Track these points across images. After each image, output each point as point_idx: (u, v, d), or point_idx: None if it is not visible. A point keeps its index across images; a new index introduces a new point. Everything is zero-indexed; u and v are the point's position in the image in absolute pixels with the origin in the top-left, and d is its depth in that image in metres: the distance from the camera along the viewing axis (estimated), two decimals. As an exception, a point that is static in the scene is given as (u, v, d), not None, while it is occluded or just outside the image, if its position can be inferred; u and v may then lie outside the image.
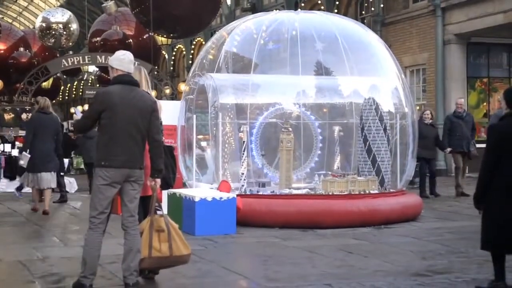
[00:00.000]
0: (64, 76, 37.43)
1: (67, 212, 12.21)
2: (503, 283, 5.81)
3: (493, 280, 5.89)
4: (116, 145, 5.62)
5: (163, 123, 6.72)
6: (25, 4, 48.07)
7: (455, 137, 13.70)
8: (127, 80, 5.76)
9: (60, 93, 42.15)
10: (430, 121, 13.80)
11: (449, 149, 13.85)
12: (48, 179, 11.47)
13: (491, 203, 5.83)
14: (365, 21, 23.45)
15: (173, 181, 6.51)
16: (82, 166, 17.51)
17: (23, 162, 11.44)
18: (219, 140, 10.64)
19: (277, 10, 17.61)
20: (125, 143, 5.63)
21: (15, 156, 16.79)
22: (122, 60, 5.82)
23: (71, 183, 16.45)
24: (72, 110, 36.78)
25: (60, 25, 25.75)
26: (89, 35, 27.23)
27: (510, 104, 5.89)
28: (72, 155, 18.90)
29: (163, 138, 6.68)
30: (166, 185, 6.44)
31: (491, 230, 5.85)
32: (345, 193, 10.04)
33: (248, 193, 10.22)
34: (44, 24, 25.90)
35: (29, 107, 24.58)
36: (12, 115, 25.21)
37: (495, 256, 5.90)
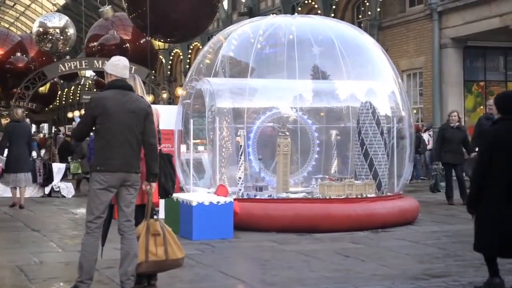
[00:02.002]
0: (61, 81, 37.43)
1: (64, 217, 12.20)
2: (498, 278, 5.95)
3: (488, 280, 6.04)
4: (111, 150, 5.62)
5: (161, 128, 6.73)
6: (22, 9, 48.10)
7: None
8: (120, 85, 5.78)
9: (57, 98, 42.12)
10: (457, 124, 12.94)
11: (473, 154, 12.53)
12: (24, 178, 13.29)
13: (485, 208, 5.90)
14: (361, 25, 23.50)
15: (172, 189, 6.51)
16: (79, 171, 17.48)
17: (0, 165, 12.99)
18: (216, 145, 10.64)
19: (274, 14, 17.65)
20: (121, 148, 5.63)
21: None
22: (117, 66, 5.84)
23: (68, 188, 16.44)
24: (70, 115, 36.81)
25: (57, 30, 25.75)
26: (86, 40, 27.22)
27: (501, 110, 6.07)
28: (69, 160, 18.87)
29: (162, 143, 6.70)
30: (165, 193, 6.45)
31: (484, 234, 5.94)
32: (343, 197, 10.05)
33: (245, 197, 10.23)
34: (41, 29, 25.91)
35: (26, 112, 24.56)
36: (9, 120, 25.17)
37: (487, 259, 6.05)
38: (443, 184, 12.88)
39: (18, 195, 13.36)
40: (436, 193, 13.19)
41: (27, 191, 15.70)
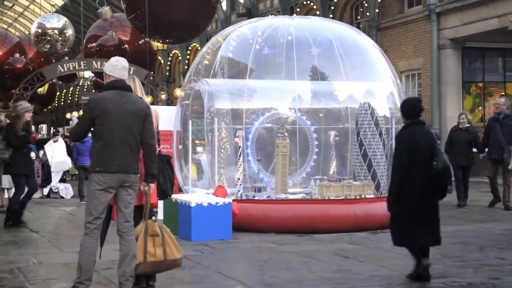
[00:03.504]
0: (60, 82, 37.39)
1: (63, 217, 12.20)
2: (424, 260, 6.50)
3: (415, 269, 6.55)
4: (110, 151, 5.62)
5: (160, 129, 6.73)
6: (21, 10, 48.07)
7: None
8: (119, 85, 5.78)
9: (56, 99, 42.10)
10: (467, 125, 12.62)
11: (481, 155, 12.49)
12: (8, 180, 12.82)
13: (402, 206, 6.49)
14: (360, 26, 23.51)
15: (171, 190, 6.51)
16: (77, 172, 17.49)
17: None
18: (215, 146, 10.64)
19: (273, 15, 17.65)
20: (119, 148, 5.63)
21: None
22: (115, 67, 5.84)
23: (66, 189, 16.45)
24: (69, 116, 36.74)
25: (56, 31, 25.72)
26: (84, 40, 27.19)
27: (406, 116, 6.75)
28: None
29: (161, 144, 6.70)
30: (164, 195, 6.45)
31: (403, 229, 6.56)
32: (341, 197, 10.05)
33: (244, 198, 10.22)
34: (39, 30, 25.87)
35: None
36: (8, 121, 25.13)
37: (408, 248, 6.68)
38: (450, 187, 12.63)
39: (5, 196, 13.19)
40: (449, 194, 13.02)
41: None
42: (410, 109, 6.80)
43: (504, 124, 11.92)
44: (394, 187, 6.59)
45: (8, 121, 12.16)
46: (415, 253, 6.60)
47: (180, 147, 11.56)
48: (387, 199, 6.73)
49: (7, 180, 13.16)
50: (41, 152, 18.38)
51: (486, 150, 12.29)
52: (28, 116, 10.74)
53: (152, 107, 6.30)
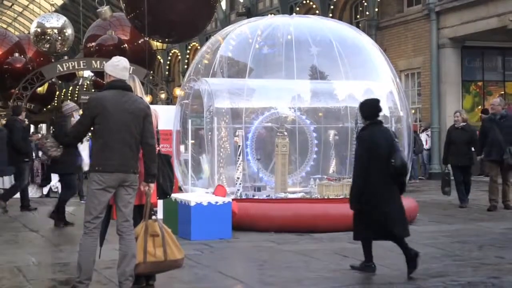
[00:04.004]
0: (59, 81, 37.38)
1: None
2: (372, 263, 6.90)
3: (364, 261, 6.94)
4: (110, 150, 5.62)
5: (159, 128, 6.73)
6: (20, 9, 48.04)
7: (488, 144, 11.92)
8: (119, 85, 5.78)
9: (55, 98, 42.08)
10: (462, 124, 12.41)
11: (478, 157, 12.24)
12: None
13: (365, 203, 6.80)
14: (359, 25, 23.51)
15: (171, 190, 6.51)
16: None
17: None
18: (214, 145, 10.64)
19: (272, 15, 17.63)
20: (119, 148, 5.63)
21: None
22: (116, 67, 5.84)
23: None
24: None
25: (55, 30, 25.69)
26: (84, 40, 27.19)
27: (366, 117, 7.04)
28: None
29: (160, 144, 6.69)
30: (163, 194, 6.45)
31: (363, 225, 6.88)
32: (341, 197, 10.04)
33: (243, 197, 10.23)
34: (39, 29, 25.85)
35: (24, 113, 24.50)
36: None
37: (365, 244, 6.98)
38: (448, 189, 12.42)
39: None
40: (447, 196, 12.76)
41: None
42: (369, 110, 7.07)
43: (501, 125, 11.77)
44: (356, 186, 6.89)
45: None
46: (367, 248, 6.97)
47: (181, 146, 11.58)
48: (349, 197, 7.03)
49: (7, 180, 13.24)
50: (40, 152, 18.39)
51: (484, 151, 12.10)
52: (76, 115, 10.80)
53: (152, 107, 6.29)
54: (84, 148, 11.45)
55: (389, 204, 6.80)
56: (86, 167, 11.04)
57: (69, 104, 11.13)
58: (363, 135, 7.04)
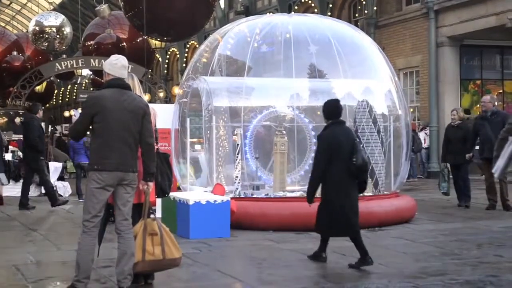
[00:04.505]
0: (58, 80, 37.37)
1: (61, 215, 12.19)
2: (324, 253, 7.34)
3: (316, 251, 7.37)
4: (108, 149, 5.62)
5: (158, 127, 6.72)
6: (19, 8, 47.97)
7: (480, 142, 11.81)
8: (118, 83, 5.77)
9: (54, 97, 42.05)
10: (458, 122, 12.30)
11: (468, 155, 12.02)
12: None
13: (324, 197, 7.18)
14: (358, 23, 23.52)
15: (169, 188, 6.51)
16: (75, 170, 17.51)
17: None
18: (213, 143, 10.64)
19: (271, 13, 17.63)
20: (118, 147, 5.63)
21: (8, 161, 16.75)
22: (114, 65, 5.84)
23: (65, 187, 16.43)
24: (72, 112, 36.63)
25: (54, 29, 25.67)
26: (82, 38, 27.17)
27: (327, 117, 7.33)
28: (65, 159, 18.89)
29: (159, 142, 6.69)
30: (162, 192, 6.44)
31: (323, 219, 7.22)
32: (339, 195, 10.03)
33: (242, 196, 10.23)
34: (37, 28, 25.83)
35: (23, 111, 24.49)
36: (6, 119, 25.13)
37: (323, 237, 7.38)
38: (444, 184, 12.39)
39: None
40: (446, 196, 12.69)
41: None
42: (330, 110, 7.35)
43: (492, 121, 11.63)
44: (314, 183, 7.21)
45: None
46: (325, 242, 7.38)
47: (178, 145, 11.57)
48: (307, 193, 7.36)
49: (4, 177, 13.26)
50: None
51: (477, 148, 12.04)
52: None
53: (150, 105, 6.29)
54: None
55: (347, 201, 7.10)
56: None
57: None
58: (324, 134, 7.30)
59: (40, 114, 13.51)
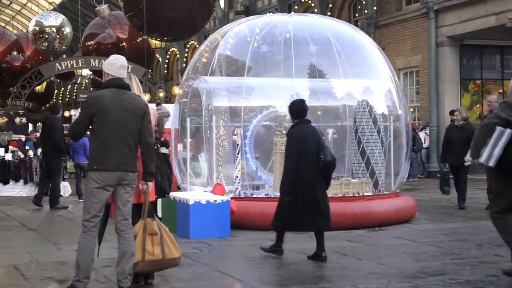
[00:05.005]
0: (58, 80, 37.39)
1: (61, 215, 12.19)
2: (281, 247, 7.59)
3: (274, 244, 7.60)
4: (108, 149, 5.62)
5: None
6: (19, 8, 47.99)
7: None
8: (117, 83, 5.77)
9: (54, 97, 42.07)
10: (462, 122, 12.01)
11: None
12: None
13: (293, 195, 7.41)
14: (358, 23, 23.52)
15: (169, 189, 6.51)
16: (75, 170, 17.50)
17: None
18: (213, 143, 10.63)
19: (271, 13, 17.63)
20: (117, 146, 5.63)
21: (8, 160, 16.75)
22: (113, 65, 5.84)
23: (65, 187, 16.43)
24: (73, 112, 36.62)
25: (54, 29, 25.70)
26: (82, 38, 27.19)
27: (294, 116, 7.64)
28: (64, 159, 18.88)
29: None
30: (162, 193, 6.44)
31: (282, 214, 7.51)
32: (339, 195, 10.05)
33: (242, 196, 10.22)
34: (37, 28, 25.85)
35: (23, 111, 24.51)
36: (6, 119, 25.17)
37: (279, 232, 7.62)
38: (447, 188, 12.19)
39: None
40: (445, 195, 12.56)
41: (23, 190, 15.88)
42: (296, 110, 7.67)
43: None
44: (286, 180, 7.48)
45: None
46: (281, 235, 7.60)
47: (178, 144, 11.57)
48: (280, 190, 7.68)
49: None
50: (39, 150, 18.39)
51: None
52: (166, 120, 10.86)
53: (150, 105, 6.29)
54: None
55: (316, 196, 7.35)
56: None
57: (163, 109, 11.14)
58: (292, 132, 7.61)
59: (60, 114, 13.67)
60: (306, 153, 7.36)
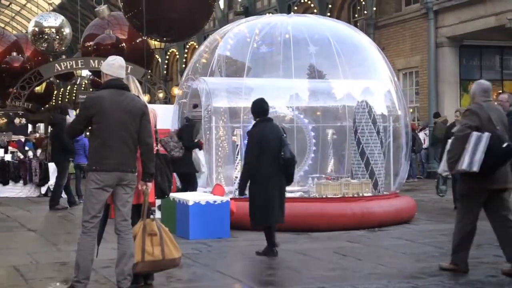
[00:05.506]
0: (57, 81, 37.35)
1: (60, 216, 12.18)
2: (275, 249, 7.68)
3: (267, 246, 7.71)
4: (107, 149, 5.62)
5: (157, 127, 6.72)
6: (18, 8, 47.97)
7: None
8: (116, 84, 5.77)
9: (53, 98, 42.05)
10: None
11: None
12: None
13: (255, 191, 7.68)
14: (358, 24, 23.52)
15: (169, 190, 6.51)
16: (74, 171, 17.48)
17: None
18: (212, 144, 10.63)
19: (270, 14, 17.63)
20: (116, 147, 5.63)
21: (8, 161, 16.75)
22: (112, 66, 5.85)
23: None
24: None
25: (53, 30, 25.70)
26: (82, 39, 27.19)
27: (256, 115, 7.88)
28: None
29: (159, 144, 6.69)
30: (161, 193, 6.44)
31: (256, 212, 7.73)
32: (339, 196, 10.05)
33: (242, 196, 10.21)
34: (36, 29, 25.85)
35: (22, 112, 24.51)
36: (5, 120, 25.14)
37: (264, 230, 7.81)
38: (443, 188, 12.14)
39: None
40: (442, 196, 12.51)
41: (23, 191, 15.87)
42: (257, 109, 7.90)
43: (510, 122, 11.36)
44: (245, 177, 7.72)
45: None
46: (268, 234, 7.76)
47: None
48: (238, 186, 7.97)
49: None
50: (38, 151, 18.37)
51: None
52: (200, 124, 10.94)
53: (150, 106, 6.28)
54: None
55: (276, 191, 7.64)
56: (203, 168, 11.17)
57: (200, 113, 11.17)
58: (253, 130, 7.85)
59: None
60: (267, 151, 7.59)
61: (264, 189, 7.64)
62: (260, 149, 7.60)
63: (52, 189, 15.52)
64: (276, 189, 7.68)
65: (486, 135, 6.35)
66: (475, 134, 6.40)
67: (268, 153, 7.59)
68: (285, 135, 7.96)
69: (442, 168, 7.09)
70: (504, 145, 6.38)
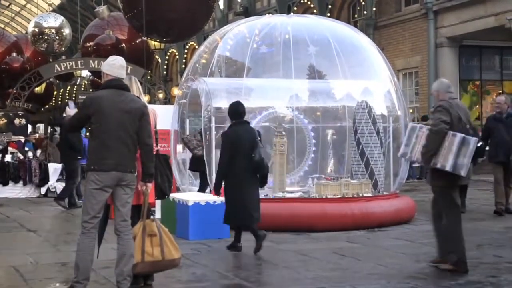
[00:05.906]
0: (57, 81, 37.34)
1: (60, 217, 12.18)
2: (239, 244, 8.03)
3: (233, 242, 8.08)
4: (106, 149, 5.61)
5: (157, 128, 6.72)
6: (18, 9, 47.98)
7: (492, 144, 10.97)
8: (116, 84, 5.77)
9: (53, 98, 42.06)
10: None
11: (480, 159, 11.75)
12: None
13: (228, 191, 7.94)
14: (357, 24, 23.53)
15: (169, 190, 6.50)
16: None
17: None
18: (212, 144, 10.63)
19: (270, 14, 17.64)
20: (116, 147, 5.62)
21: (7, 162, 16.75)
22: (112, 66, 5.84)
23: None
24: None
25: (53, 30, 25.70)
26: (82, 40, 27.18)
27: (231, 117, 8.10)
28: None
29: (159, 144, 6.68)
30: (161, 194, 6.44)
31: (229, 210, 7.97)
32: (339, 196, 10.05)
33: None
34: (36, 29, 25.84)
35: (22, 112, 24.50)
36: (5, 121, 25.13)
37: (233, 228, 8.20)
38: None
39: None
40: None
41: (22, 192, 15.86)
42: (233, 111, 8.13)
43: (508, 124, 10.97)
44: (219, 177, 7.94)
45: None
46: (236, 231, 8.09)
47: (177, 146, 11.57)
48: (213, 186, 8.17)
49: None
50: (38, 152, 18.37)
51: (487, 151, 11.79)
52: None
53: (150, 106, 6.28)
54: None
55: (249, 192, 7.89)
56: None
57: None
58: (228, 132, 8.10)
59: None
60: (240, 152, 7.80)
61: (237, 189, 7.85)
62: (234, 150, 7.82)
63: (51, 189, 15.54)
64: (249, 190, 7.90)
65: (473, 140, 6.41)
66: (459, 135, 6.44)
67: (241, 154, 7.81)
68: (259, 138, 8.19)
69: (403, 151, 7.03)
70: (479, 144, 6.46)
